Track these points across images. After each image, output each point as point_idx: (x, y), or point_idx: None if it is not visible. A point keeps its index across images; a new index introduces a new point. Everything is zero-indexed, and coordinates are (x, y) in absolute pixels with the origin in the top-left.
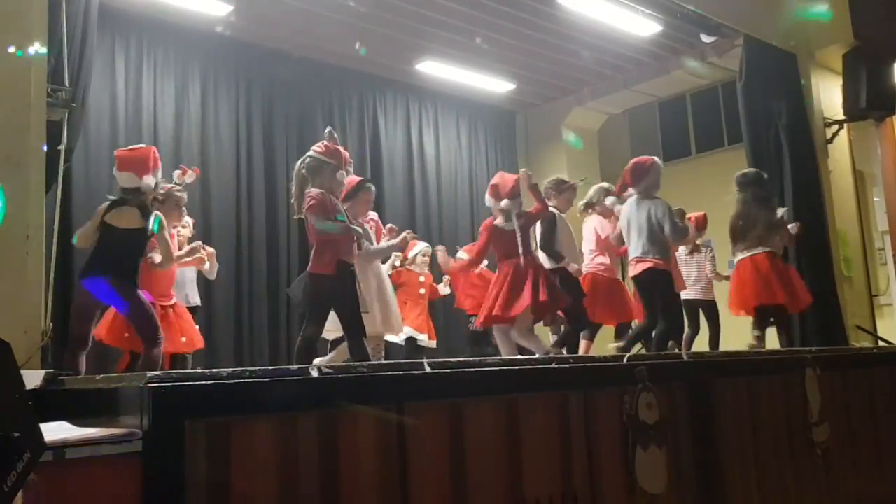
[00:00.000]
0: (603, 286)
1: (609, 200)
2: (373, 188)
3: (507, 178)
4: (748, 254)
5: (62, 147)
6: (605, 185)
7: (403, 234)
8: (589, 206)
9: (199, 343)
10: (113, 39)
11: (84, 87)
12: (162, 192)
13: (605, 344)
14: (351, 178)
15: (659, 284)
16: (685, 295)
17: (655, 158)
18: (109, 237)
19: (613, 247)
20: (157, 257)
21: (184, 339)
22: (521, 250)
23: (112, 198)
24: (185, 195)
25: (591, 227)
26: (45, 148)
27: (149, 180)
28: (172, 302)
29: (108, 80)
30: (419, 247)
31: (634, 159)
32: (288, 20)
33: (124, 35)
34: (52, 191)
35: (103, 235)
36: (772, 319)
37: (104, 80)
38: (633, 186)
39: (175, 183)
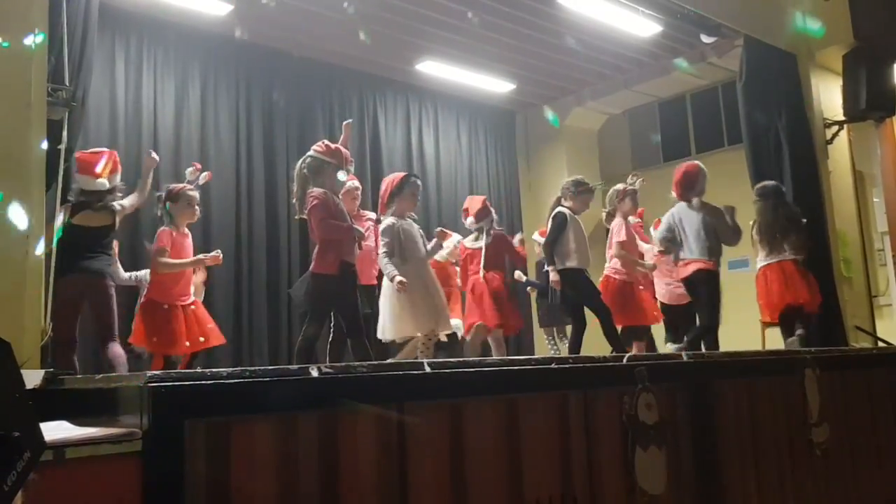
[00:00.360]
0: (612, 288)
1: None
2: (419, 182)
3: (475, 201)
4: (774, 259)
5: (62, 146)
6: (619, 186)
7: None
8: (610, 215)
9: (218, 339)
10: (113, 38)
11: (84, 87)
12: (174, 191)
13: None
14: (395, 175)
15: (708, 284)
16: None
17: (700, 164)
18: (82, 237)
19: (634, 248)
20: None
21: (202, 339)
22: (482, 264)
23: (72, 199)
24: (197, 194)
25: (611, 231)
26: (45, 147)
27: (102, 182)
28: (191, 300)
29: (108, 79)
30: (453, 238)
31: (683, 168)
32: (288, 20)
33: (124, 34)
34: (51, 190)
35: (73, 235)
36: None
37: (104, 79)
38: (687, 194)
39: (188, 181)
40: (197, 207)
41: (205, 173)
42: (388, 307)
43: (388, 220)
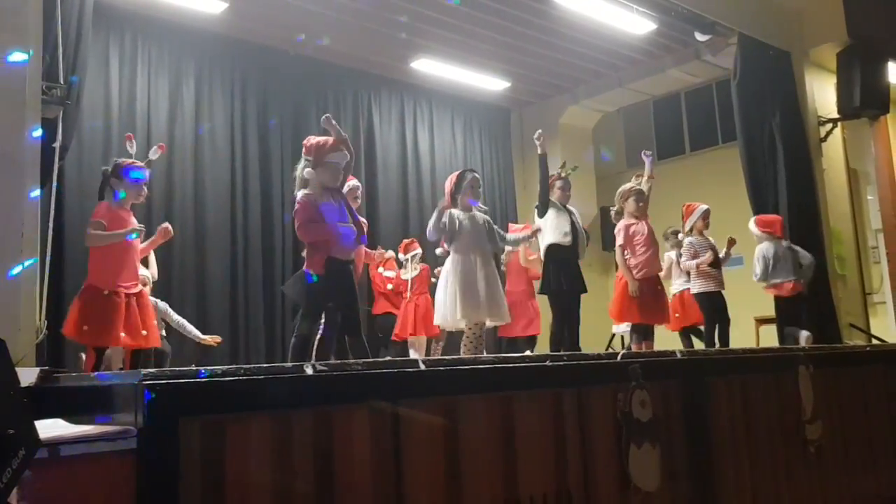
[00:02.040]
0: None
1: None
2: (476, 174)
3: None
4: (682, 288)
5: (57, 145)
6: (626, 186)
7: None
8: (618, 214)
9: (156, 341)
10: (107, 36)
11: (79, 85)
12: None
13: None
14: (452, 174)
15: (805, 301)
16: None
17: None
18: None
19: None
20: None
21: (144, 333)
22: None
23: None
24: (145, 173)
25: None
26: (40, 144)
27: None
28: (137, 290)
29: (103, 77)
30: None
31: (779, 217)
32: (283, 17)
33: (119, 32)
34: (46, 187)
35: None
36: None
37: (98, 77)
38: (784, 233)
39: (132, 156)
40: (144, 187)
41: (155, 147)
42: (438, 296)
43: (448, 213)
